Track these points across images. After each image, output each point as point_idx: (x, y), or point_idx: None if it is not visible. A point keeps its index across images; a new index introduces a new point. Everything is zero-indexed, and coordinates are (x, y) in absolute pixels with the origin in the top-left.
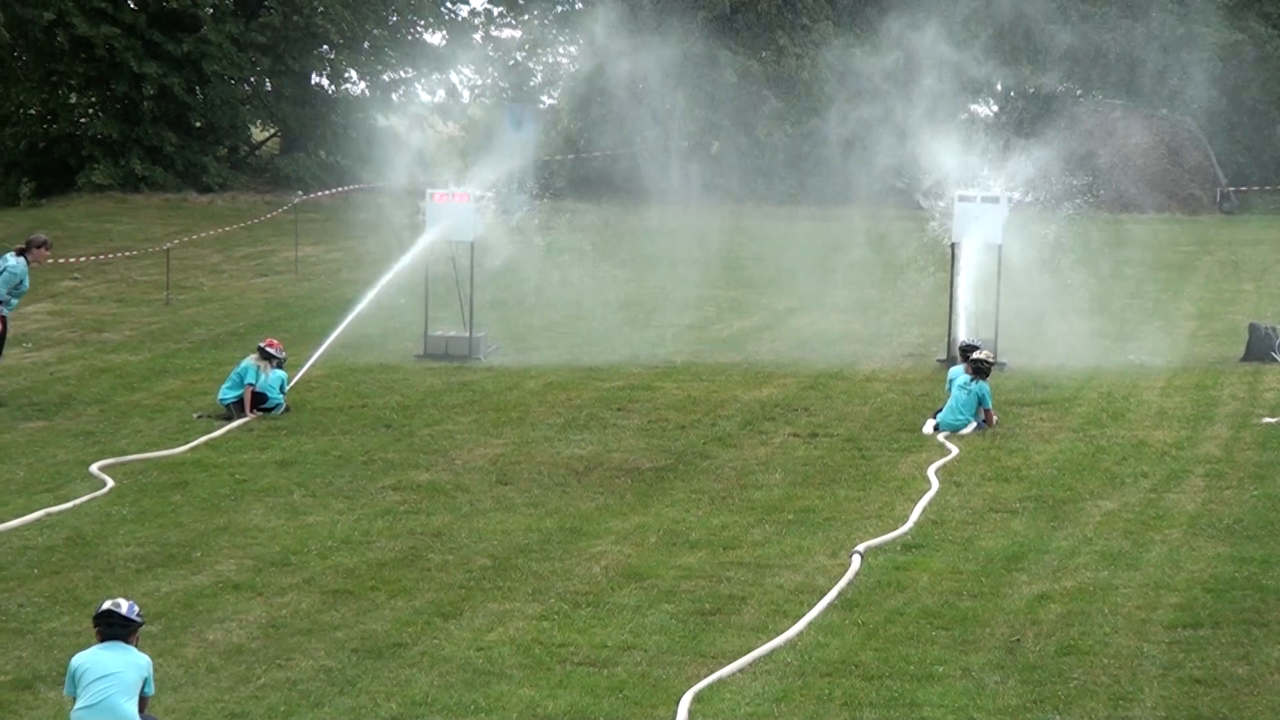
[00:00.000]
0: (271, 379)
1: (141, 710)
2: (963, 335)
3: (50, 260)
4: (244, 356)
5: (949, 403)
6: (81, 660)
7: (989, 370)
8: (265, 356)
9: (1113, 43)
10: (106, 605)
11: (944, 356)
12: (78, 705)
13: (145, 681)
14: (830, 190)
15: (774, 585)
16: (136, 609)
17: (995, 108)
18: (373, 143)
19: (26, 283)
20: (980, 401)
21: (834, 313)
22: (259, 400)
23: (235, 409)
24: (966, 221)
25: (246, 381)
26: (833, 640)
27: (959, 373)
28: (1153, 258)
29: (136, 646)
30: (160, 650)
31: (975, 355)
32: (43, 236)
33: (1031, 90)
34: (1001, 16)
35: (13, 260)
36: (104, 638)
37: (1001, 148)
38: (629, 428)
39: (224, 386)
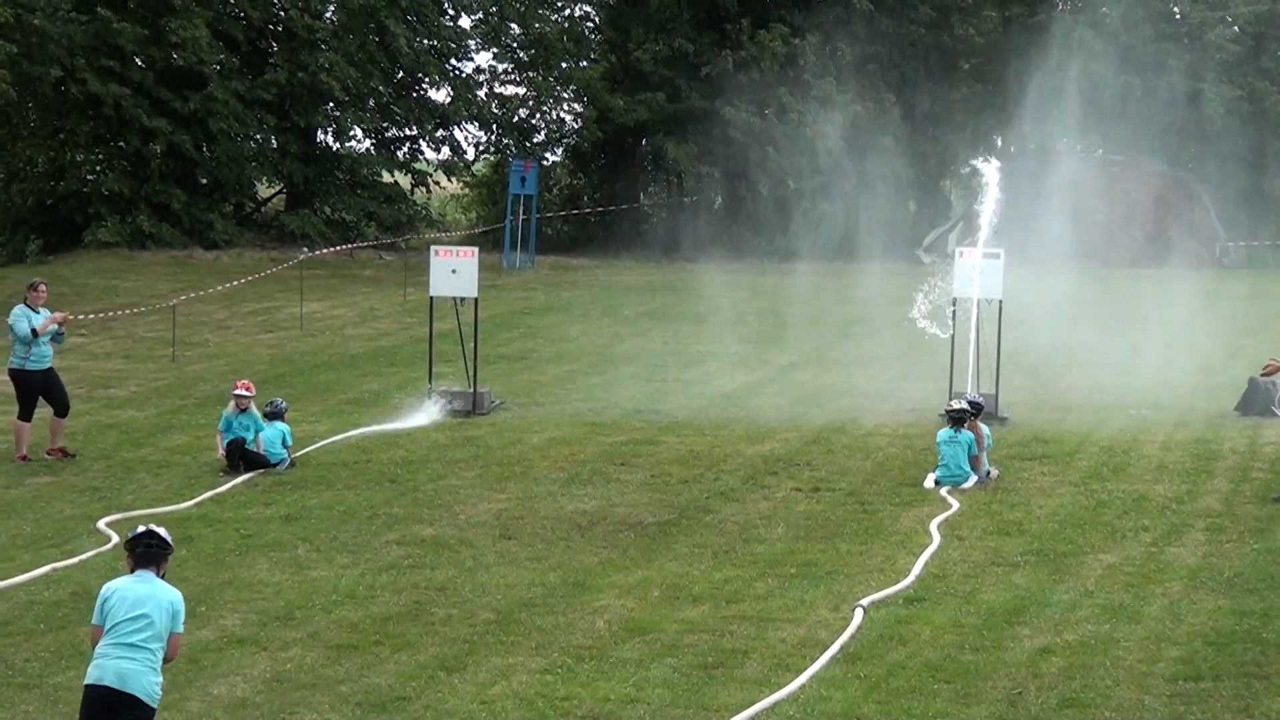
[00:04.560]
0: (272, 433)
1: (172, 646)
2: (967, 390)
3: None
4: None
5: (943, 461)
6: (112, 591)
7: (965, 417)
8: (234, 400)
9: (1113, 99)
10: (146, 526)
11: (944, 411)
12: (105, 641)
13: (175, 617)
14: (832, 246)
15: (776, 639)
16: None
17: (998, 163)
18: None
19: (32, 320)
20: (969, 450)
21: (836, 367)
22: (238, 449)
23: (229, 461)
24: (967, 277)
25: (219, 428)
26: (835, 694)
27: (942, 432)
28: (1153, 312)
29: (165, 578)
30: (165, 705)
31: (950, 406)
32: (36, 280)
33: (1033, 146)
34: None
35: (14, 310)
36: (138, 563)
37: (1003, 203)
38: (632, 482)
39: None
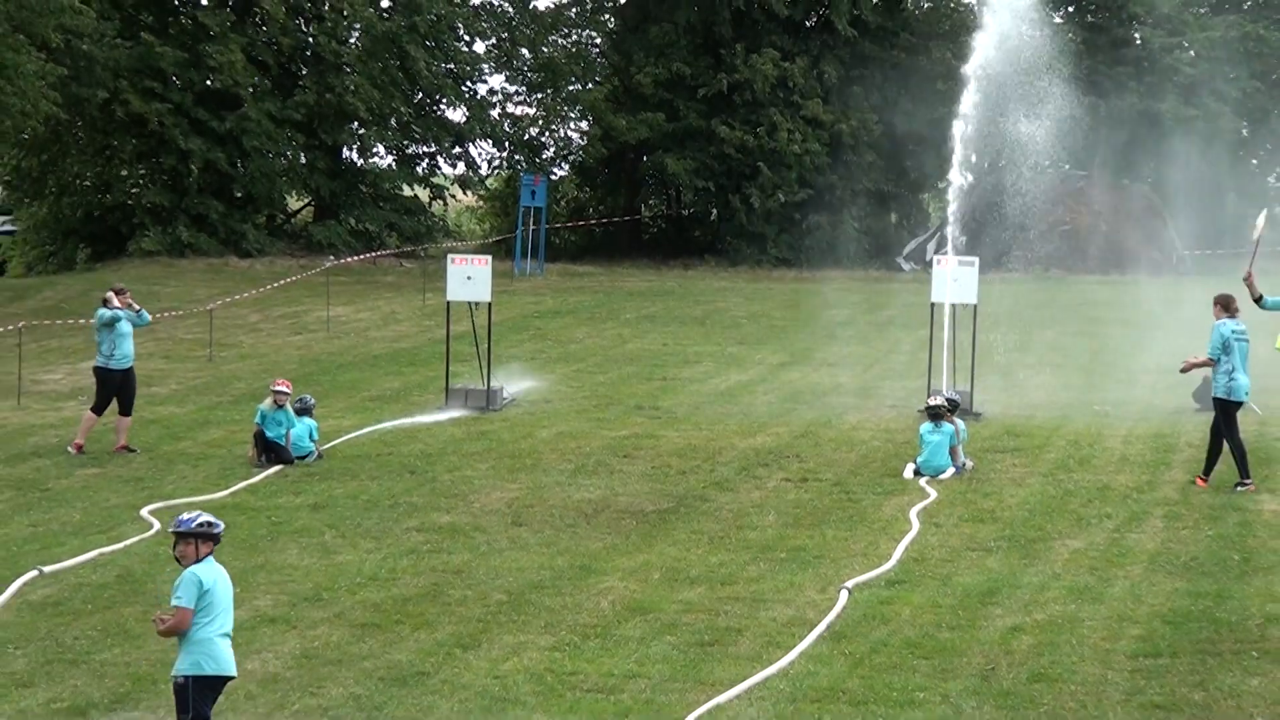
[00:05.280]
0: (301, 428)
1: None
2: (944, 388)
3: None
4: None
5: (925, 451)
6: (213, 581)
7: (943, 412)
8: (107, 300)
9: (1080, 119)
10: (209, 519)
11: (924, 407)
12: (216, 630)
13: None
14: (819, 254)
15: (768, 618)
16: None
17: (972, 178)
18: (399, 211)
19: (122, 325)
20: (950, 441)
21: (823, 367)
22: (265, 442)
23: (258, 454)
24: (944, 283)
25: (255, 421)
26: (822, 669)
27: (925, 425)
28: (1115, 316)
29: None
30: None
31: (929, 402)
32: (118, 285)
33: (1003, 163)
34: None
35: (98, 312)
36: (208, 554)
37: (979, 215)
38: (634, 473)
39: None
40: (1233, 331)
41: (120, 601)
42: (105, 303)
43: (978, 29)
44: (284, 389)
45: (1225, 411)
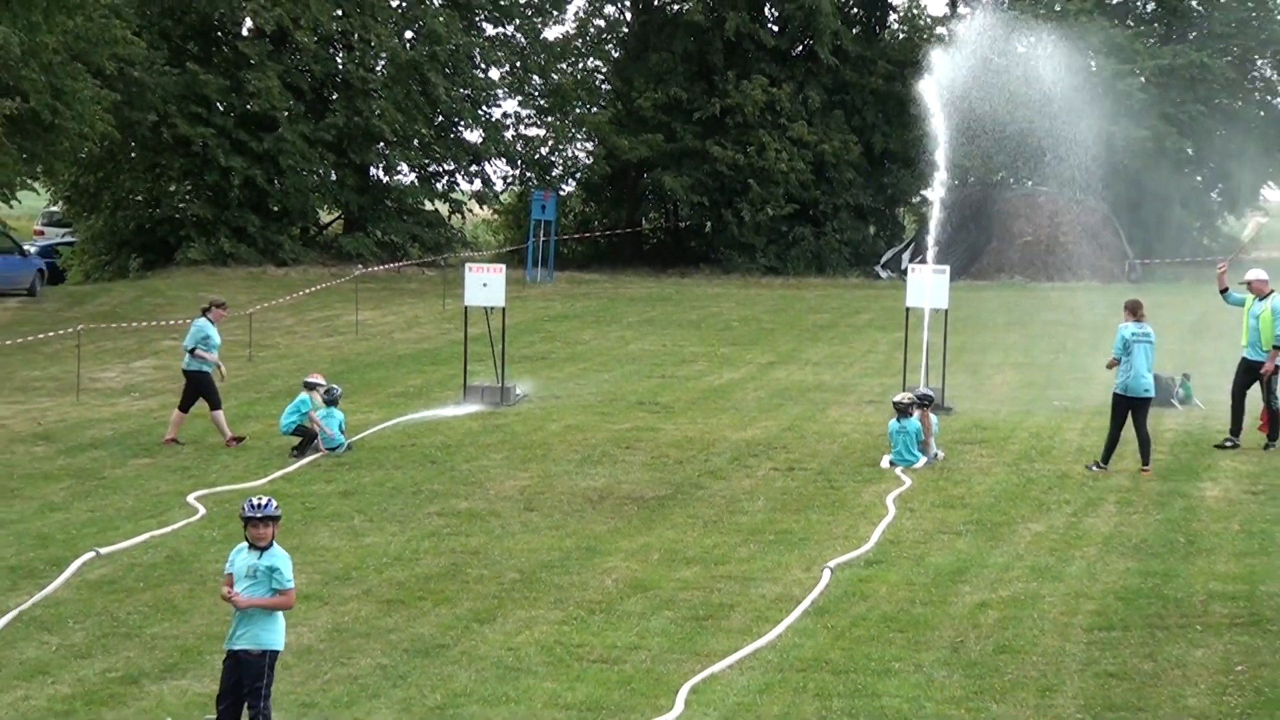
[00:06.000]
0: (333, 421)
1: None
2: (920, 384)
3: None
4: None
5: (894, 447)
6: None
7: (909, 407)
8: (310, 387)
9: (1040, 139)
10: (275, 502)
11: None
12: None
13: None
14: (804, 263)
15: (757, 595)
16: None
17: (945, 194)
18: (421, 224)
19: (215, 337)
20: (916, 436)
21: (807, 366)
22: (307, 434)
23: (299, 446)
24: (918, 289)
25: (304, 410)
26: (807, 641)
27: (891, 423)
28: (1073, 319)
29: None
30: None
31: (895, 399)
32: (218, 298)
33: (972, 179)
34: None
35: (197, 321)
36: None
37: (951, 228)
38: (635, 463)
39: (284, 415)
40: (1133, 334)
41: (169, 580)
42: (205, 312)
43: (951, 57)
44: (317, 380)
45: (1119, 405)
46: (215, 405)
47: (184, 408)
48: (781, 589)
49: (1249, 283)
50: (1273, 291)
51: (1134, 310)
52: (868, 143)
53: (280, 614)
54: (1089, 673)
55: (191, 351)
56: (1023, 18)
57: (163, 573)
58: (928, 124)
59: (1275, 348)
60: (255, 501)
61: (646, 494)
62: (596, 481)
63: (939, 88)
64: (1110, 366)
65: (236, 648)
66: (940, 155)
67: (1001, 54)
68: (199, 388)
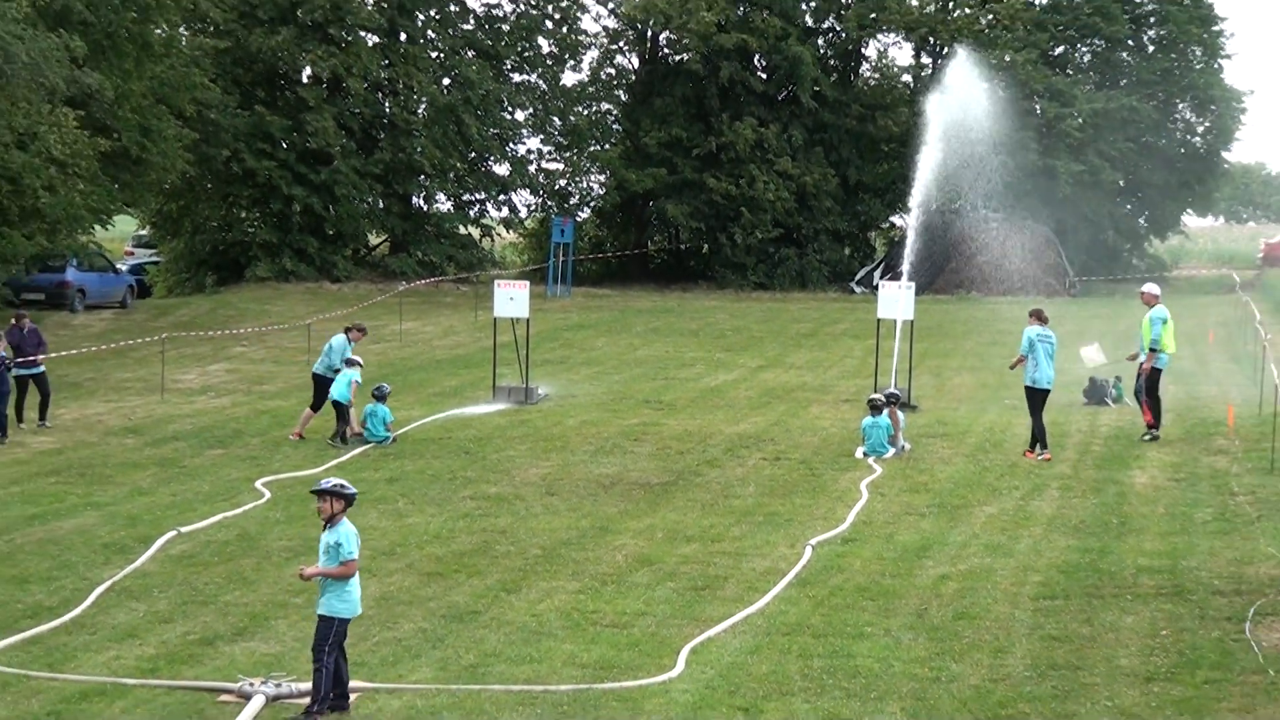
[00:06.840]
0: (379, 415)
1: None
2: (891, 385)
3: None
4: (363, 398)
5: (867, 440)
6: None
7: (882, 405)
8: (350, 364)
9: (992, 172)
10: (342, 481)
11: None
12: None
13: None
14: (788, 280)
15: (748, 568)
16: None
17: (909, 219)
18: (456, 246)
19: (346, 354)
20: (888, 431)
21: (792, 369)
22: (341, 410)
23: (335, 434)
24: (888, 303)
25: (345, 358)
26: (791, 609)
27: (866, 419)
28: (1021, 329)
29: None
30: (301, 618)
31: (869, 398)
32: (361, 324)
33: (935, 206)
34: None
35: (338, 339)
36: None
37: (914, 249)
38: (642, 453)
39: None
40: (1038, 335)
41: (240, 555)
42: (347, 332)
43: (917, 101)
44: (357, 359)
45: (1032, 396)
46: (316, 408)
47: (316, 408)
48: (769, 563)
49: (1141, 294)
50: (1158, 304)
51: (1039, 316)
52: (843, 175)
53: (351, 586)
54: (1035, 636)
55: (347, 363)
56: (978, 67)
57: (234, 549)
58: (911, 164)
59: (1152, 350)
60: (326, 482)
61: (652, 480)
62: (608, 469)
63: (920, 128)
64: (1014, 366)
65: (318, 612)
66: (916, 190)
67: (960, 100)
68: (323, 391)
